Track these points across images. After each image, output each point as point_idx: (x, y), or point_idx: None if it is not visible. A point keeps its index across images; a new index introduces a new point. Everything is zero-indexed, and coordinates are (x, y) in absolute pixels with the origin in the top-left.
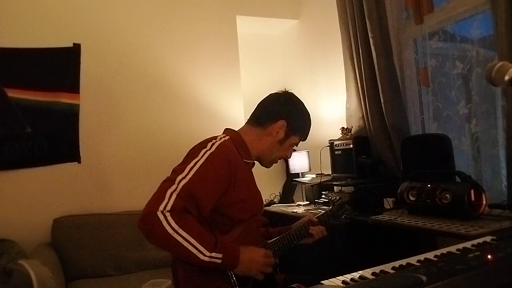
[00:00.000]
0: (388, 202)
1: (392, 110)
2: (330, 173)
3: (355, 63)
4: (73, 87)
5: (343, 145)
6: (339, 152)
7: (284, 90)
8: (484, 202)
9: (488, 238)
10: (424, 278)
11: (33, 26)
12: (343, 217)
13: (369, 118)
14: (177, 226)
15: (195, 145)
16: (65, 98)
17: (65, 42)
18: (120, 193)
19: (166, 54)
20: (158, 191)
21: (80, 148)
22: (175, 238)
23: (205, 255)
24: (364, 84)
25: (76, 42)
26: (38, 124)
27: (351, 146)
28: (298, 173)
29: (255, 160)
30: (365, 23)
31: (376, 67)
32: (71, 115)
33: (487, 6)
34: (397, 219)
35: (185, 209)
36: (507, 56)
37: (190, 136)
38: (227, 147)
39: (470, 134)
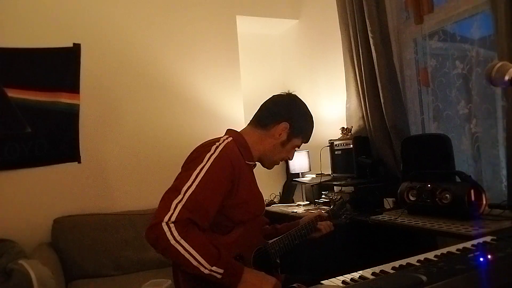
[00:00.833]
0: (388, 202)
1: (392, 110)
2: (330, 173)
3: (355, 63)
4: (73, 87)
5: (343, 145)
6: (339, 152)
7: (287, 92)
8: (484, 202)
9: (488, 238)
10: (424, 278)
11: (33, 26)
12: (343, 217)
13: (369, 118)
14: (180, 237)
15: (198, 148)
16: (65, 98)
17: (65, 42)
18: (120, 193)
19: (166, 54)
20: (164, 202)
21: (80, 148)
22: (177, 249)
23: (206, 268)
24: (364, 84)
25: (76, 42)
26: (38, 124)
27: (351, 146)
28: (298, 173)
29: (257, 161)
30: (365, 23)
31: (376, 67)
32: (71, 115)
33: (487, 6)
34: (397, 219)
35: (190, 220)
36: (507, 56)
37: (190, 136)
38: (230, 149)
39: (470, 134)
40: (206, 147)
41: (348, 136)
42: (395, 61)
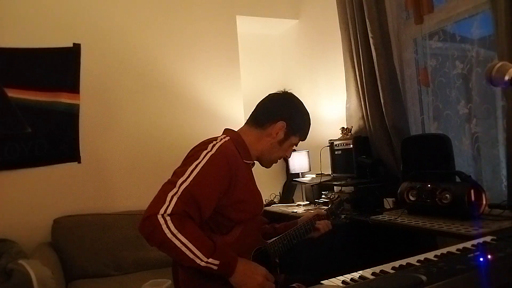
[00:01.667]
0: (388, 202)
1: (392, 110)
2: (330, 173)
3: (355, 63)
4: (73, 87)
5: (343, 145)
6: (339, 152)
7: (283, 90)
8: (484, 202)
9: (488, 238)
10: (424, 278)
11: (33, 26)
12: (343, 216)
13: (369, 118)
14: (176, 231)
15: (195, 146)
16: (65, 98)
17: (65, 42)
18: (120, 193)
19: (166, 54)
20: (159, 194)
21: (80, 148)
22: (174, 242)
23: (202, 260)
24: (364, 84)
25: (76, 42)
26: (38, 124)
27: (351, 146)
28: (298, 173)
29: (255, 160)
30: (365, 23)
31: (376, 67)
32: (71, 115)
33: (487, 6)
34: (397, 219)
35: (185, 213)
36: (507, 56)
37: (190, 136)
38: (227, 148)
39: (470, 134)
40: (203, 145)
41: (348, 136)
42: (395, 61)
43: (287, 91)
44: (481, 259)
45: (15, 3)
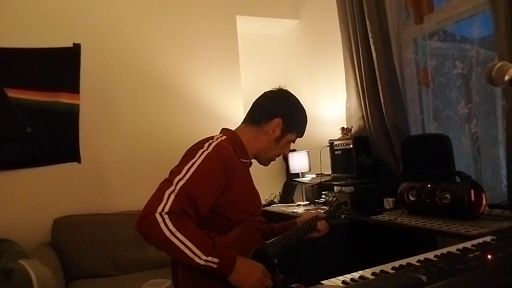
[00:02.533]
0: (388, 202)
1: (392, 110)
2: (330, 173)
3: (355, 63)
4: (73, 87)
5: (343, 145)
6: (339, 152)
7: (278, 88)
8: (484, 202)
9: (488, 238)
10: (424, 278)
11: (33, 26)
12: (343, 216)
13: (369, 118)
14: (175, 229)
15: (192, 146)
16: (65, 98)
17: (65, 42)
18: (120, 193)
19: (166, 54)
20: (157, 193)
21: (80, 148)
22: (172, 241)
23: (201, 259)
24: (364, 84)
25: (76, 42)
26: (38, 124)
27: (351, 146)
28: (298, 173)
29: (253, 159)
30: (365, 23)
31: (376, 67)
32: (71, 115)
33: (487, 6)
34: (397, 219)
35: (183, 211)
36: (507, 56)
37: (190, 136)
38: (224, 147)
39: (470, 134)
40: (199, 144)
41: (348, 136)
42: (395, 61)
43: (282, 88)
44: (481, 259)
45: (15, 3)
